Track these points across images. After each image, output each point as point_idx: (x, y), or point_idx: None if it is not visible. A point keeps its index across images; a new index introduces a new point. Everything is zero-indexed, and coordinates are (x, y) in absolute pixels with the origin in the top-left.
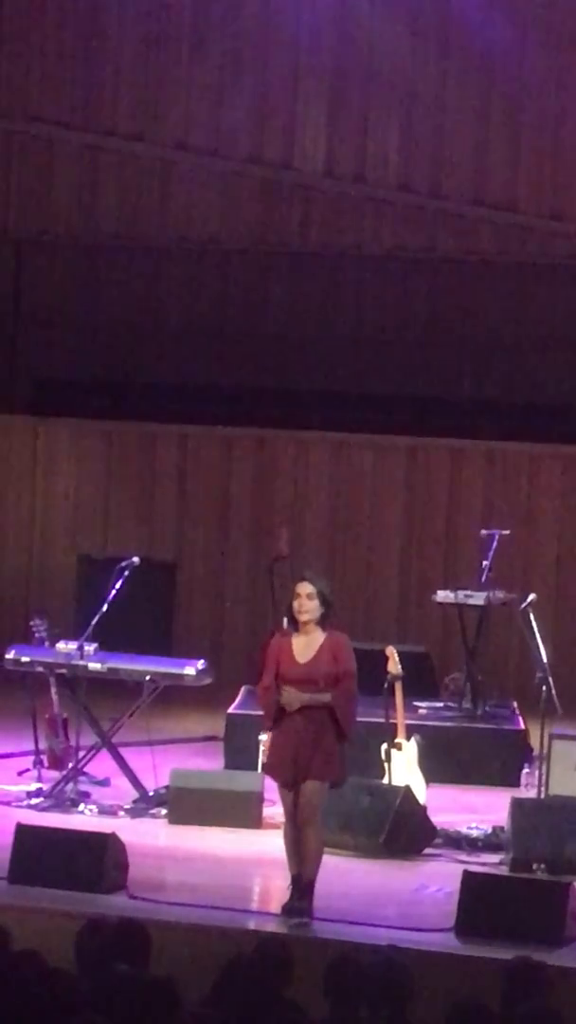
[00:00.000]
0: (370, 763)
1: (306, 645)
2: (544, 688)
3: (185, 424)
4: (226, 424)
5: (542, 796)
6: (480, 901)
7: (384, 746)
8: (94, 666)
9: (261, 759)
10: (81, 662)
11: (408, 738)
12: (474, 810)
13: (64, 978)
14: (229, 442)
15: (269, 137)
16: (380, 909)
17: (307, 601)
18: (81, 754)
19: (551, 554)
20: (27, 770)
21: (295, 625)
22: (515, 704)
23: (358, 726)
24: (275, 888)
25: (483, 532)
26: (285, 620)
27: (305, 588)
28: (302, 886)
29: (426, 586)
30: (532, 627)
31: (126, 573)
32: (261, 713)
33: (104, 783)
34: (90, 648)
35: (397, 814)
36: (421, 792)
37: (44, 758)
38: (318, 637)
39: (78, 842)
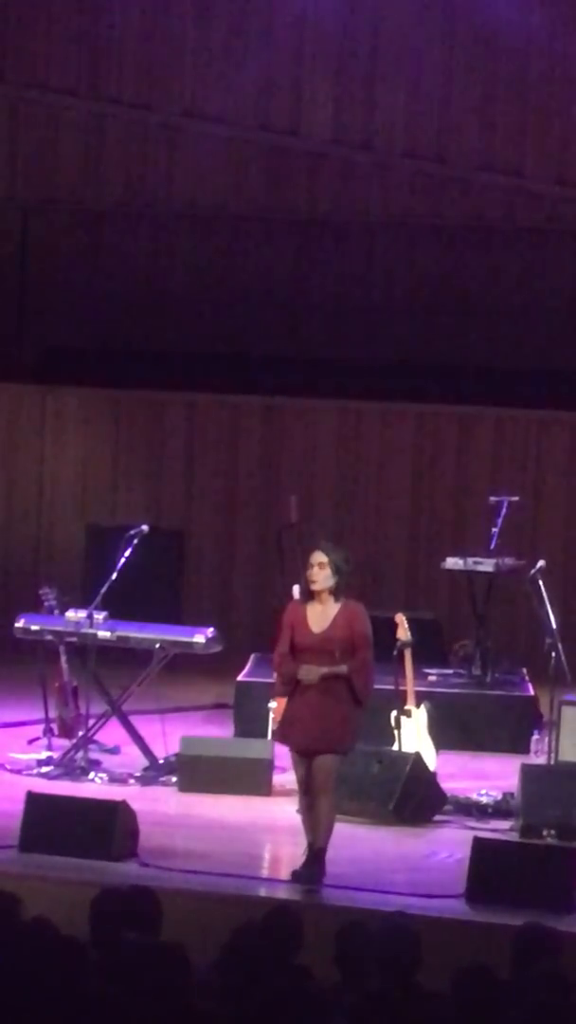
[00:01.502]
0: (380, 730)
1: (321, 614)
2: (553, 654)
3: (193, 392)
4: (234, 392)
5: (552, 762)
6: (490, 867)
7: (394, 713)
8: (103, 634)
9: (271, 726)
10: (90, 630)
11: (418, 705)
12: (484, 777)
13: (75, 945)
14: (237, 410)
15: (276, 104)
16: (390, 876)
17: (319, 571)
18: (91, 722)
19: (560, 520)
20: (37, 739)
21: (309, 594)
22: (524, 671)
23: (372, 694)
24: (285, 855)
25: (492, 499)
26: (296, 588)
27: (317, 557)
28: (314, 853)
29: (435, 553)
30: (541, 594)
31: (135, 541)
32: (271, 680)
33: (114, 751)
34: (99, 616)
35: (407, 781)
36: (431, 759)
37: (54, 726)
38: (332, 607)
39: (88, 810)
